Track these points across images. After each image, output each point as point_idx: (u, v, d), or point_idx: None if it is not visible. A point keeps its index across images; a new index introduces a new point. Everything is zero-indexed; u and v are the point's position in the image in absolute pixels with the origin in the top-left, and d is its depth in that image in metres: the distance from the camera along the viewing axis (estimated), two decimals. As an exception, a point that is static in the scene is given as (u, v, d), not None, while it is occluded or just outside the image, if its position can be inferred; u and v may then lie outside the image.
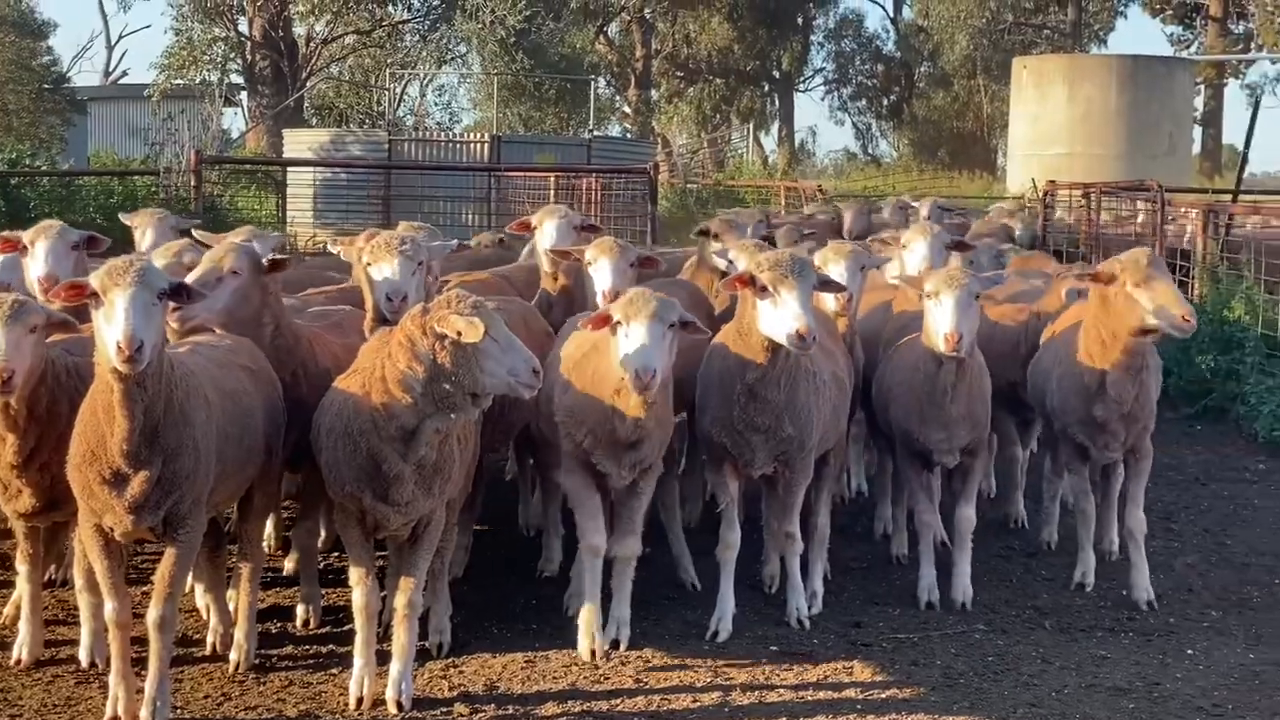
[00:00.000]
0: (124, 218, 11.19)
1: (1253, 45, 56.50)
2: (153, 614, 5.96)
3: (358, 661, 6.39)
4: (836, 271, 8.19)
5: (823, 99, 65.31)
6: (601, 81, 47.43)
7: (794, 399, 7.18)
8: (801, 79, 59.45)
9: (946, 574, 8.02)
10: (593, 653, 6.97)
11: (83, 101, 42.28)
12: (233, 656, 6.81)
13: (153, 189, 21.38)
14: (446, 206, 25.03)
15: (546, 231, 9.68)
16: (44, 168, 24.64)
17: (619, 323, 6.59)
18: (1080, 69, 37.61)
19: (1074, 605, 8.08)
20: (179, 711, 6.19)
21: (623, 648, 7.09)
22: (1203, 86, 54.57)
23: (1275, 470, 11.68)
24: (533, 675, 6.77)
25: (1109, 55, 45.20)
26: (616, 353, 6.60)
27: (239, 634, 6.85)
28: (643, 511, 7.24)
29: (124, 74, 53.65)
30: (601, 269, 8.34)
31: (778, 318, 6.87)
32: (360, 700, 6.31)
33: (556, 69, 45.46)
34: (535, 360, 5.96)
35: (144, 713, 5.92)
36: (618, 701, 6.47)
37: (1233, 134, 61.54)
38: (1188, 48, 58.83)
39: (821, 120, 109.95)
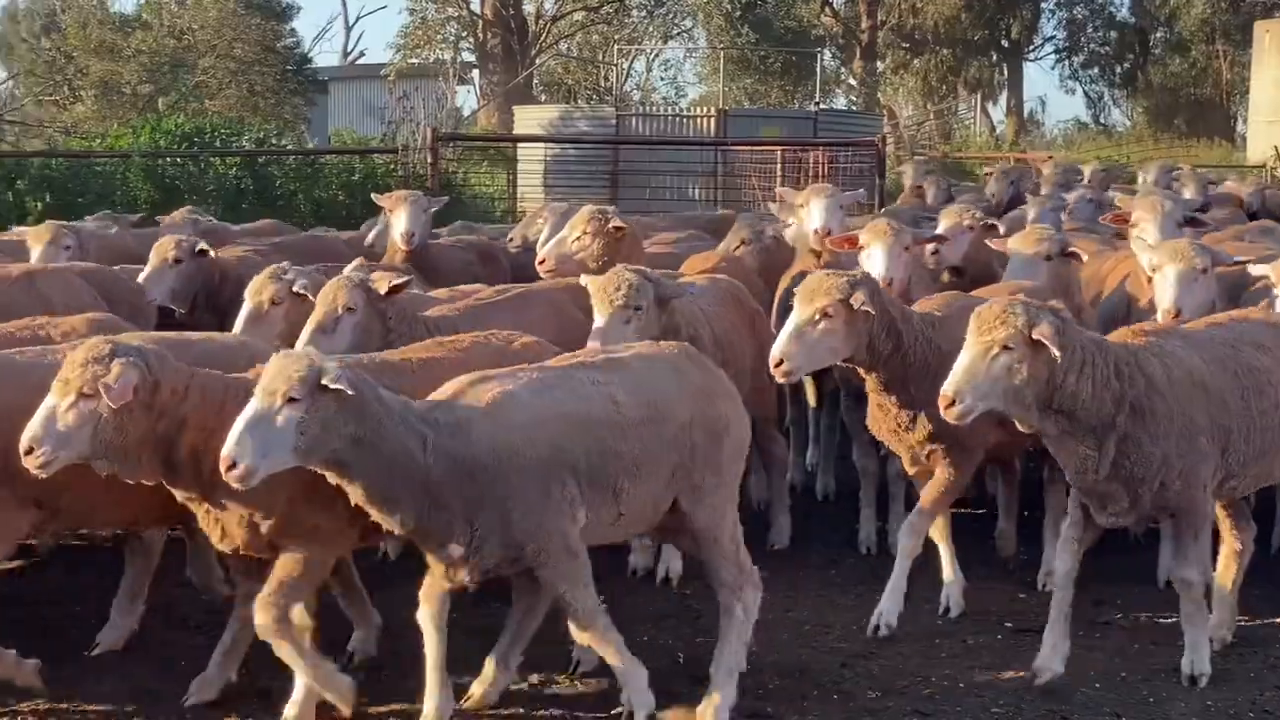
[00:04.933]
0: (376, 198, 11.48)
1: None
2: None
3: None
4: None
5: (1053, 68, 63.73)
6: (827, 54, 47.22)
7: None
8: (1031, 47, 58.20)
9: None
10: None
11: (324, 82, 43.68)
12: None
13: (391, 167, 22.09)
14: (673, 181, 25.30)
15: (814, 212, 9.85)
16: (289, 146, 25.59)
17: None
18: (1326, 32, 36.16)
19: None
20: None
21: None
22: None
23: None
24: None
25: (1357, 17, 43.27)
26: None
27: None
28: None
29: (361, 54, 55.21)
30: (875, 256, 8.33)
31: None
32: None
33: (782, 41, 45.40)
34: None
35: None
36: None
37: None
38: None
39: (1051, 89, 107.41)
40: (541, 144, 27.19)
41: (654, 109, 36.11)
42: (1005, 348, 5.96)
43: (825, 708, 6.28)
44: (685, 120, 31.39)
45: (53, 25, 40.50)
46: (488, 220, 19.01)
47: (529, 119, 31.74)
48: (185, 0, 41.47)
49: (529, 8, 44.18)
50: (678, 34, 48.15)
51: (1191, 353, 6.43)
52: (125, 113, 33.06)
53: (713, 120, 30.06)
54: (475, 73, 45.36)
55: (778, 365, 6.63)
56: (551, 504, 5.52)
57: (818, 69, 42.80)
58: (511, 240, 11.94)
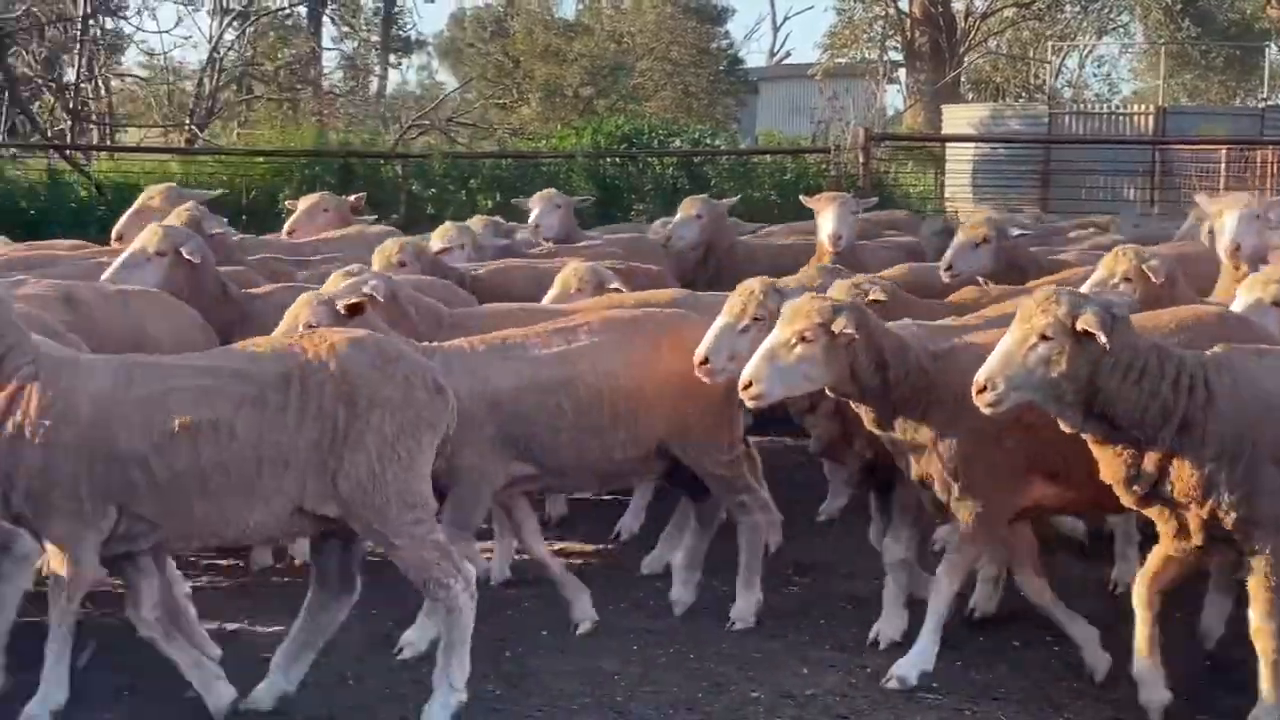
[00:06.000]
0: (805, 200, 11.65)
1: None
2: None
3: None
4: None
5: None
6: (1274, 47, 44.92)
7: None
8: None
9: None
10: None
11: (754, 82, 44.50)
12: None
13: (823, 166, 22.39)
14: (1107, 182, 24.72)
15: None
16: (722, 147, 26.24)
17: None
18: None
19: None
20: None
21: None
22: None
23: None
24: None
25: None
26: None
27: None
28: None
29: (787, 54, 55.78)
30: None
31: None
32: None
33: (1226, 35, 43.48)
34: None
35: None
36: None
37: None
38: None
39: None
40: (970, 143, 27.00)
41: (1086, 106, 35.26)
42: (1044, 337, 5.63)
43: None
44: (1121, 118, 30.55)
45: (501, 31, 42.64)
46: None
47: (958, 118, 31.50)
48: (623, 5, 43.02)
49: (958, 5, 43.70)
50: (1113, 29, 46.78)
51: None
52: (567, 114, 34.56)
53: (1150, 118, 29.16)
54: (901, 71, 45.23)
55: (746, 388, 6.27)
56: None
57: (1265, 63, 40.79)
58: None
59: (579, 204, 13.00)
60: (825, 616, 7.46)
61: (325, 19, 41.66)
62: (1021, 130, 28.85)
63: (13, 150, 24.41)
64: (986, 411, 5.73)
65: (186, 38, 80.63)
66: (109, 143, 29.43)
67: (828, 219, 10.89)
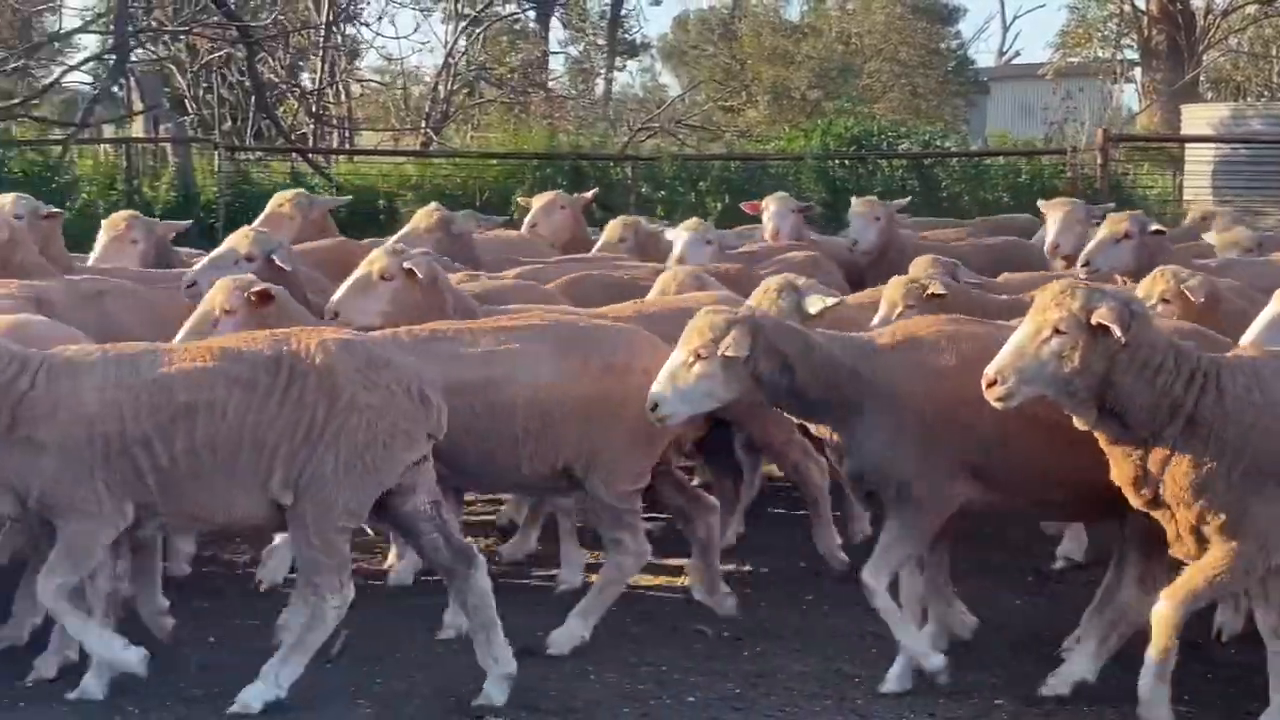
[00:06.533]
0: (1042, 205, 11.51)
1: None
2: None
3: None
4: None
5: None
6: None
7: None
8: None
9: None
10: None
11: (984, 82, 43.86)
12: None
13: (1059, 168, 21.94)
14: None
15: None
16: (953, 148, 25.91)
17: None
18: None
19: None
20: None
21: None
22: None
23: None
24: None
25: None
26: None
27: None
28: None
29: (1016, 54, 54.78)
30: None
31: None
32: None
33: None
34: None
35: None
36: None
37: None
38: None
39: None
40: (1210, 144, 26.19)
41: (1334, 106, 33.85)
42: (1058, 330, 5.48)
43: None
44: (1372, 117, 29.25)
45: (728, 34, 42.74)
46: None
47: (1197, 118, 30.53)
48: (848, 7, 42.77)
49: (1198, 2, 42.44)
50: (1366, 24, 44.79)
51: None
52: (794, 116, 34.49)
53: None
54: (1136, 70, 44.07)
55: (653, 409, 6.18)
56: None
57: None
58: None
59: (805, 208, 12.85)
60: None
61: (554, 22, 42.27)
62: (1263, 130, 27.85)
63: (258, 153, 25.30)
64: (995, 405, 5.61)
65: (424, 43, 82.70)
66: (348, 146, 30.29)
67: (1050, 226, 10.91)
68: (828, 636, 7.20)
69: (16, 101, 25.86)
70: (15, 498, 5.85)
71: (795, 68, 38.14)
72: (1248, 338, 6.72)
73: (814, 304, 7.28)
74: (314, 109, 30.01)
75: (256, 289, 7.08)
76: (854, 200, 11.77)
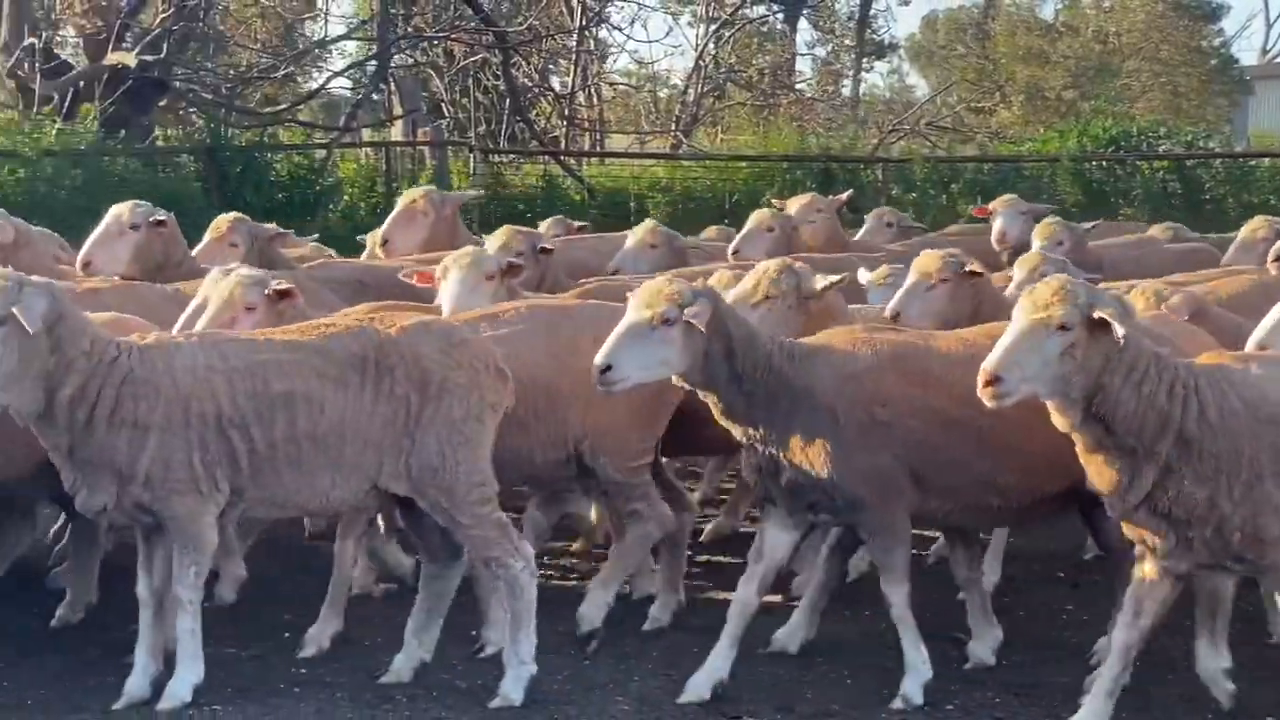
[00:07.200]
0: None
1: None
2: None
3: None
4: None
5: None
6: None
7: None
8: None
9: None
10: None
11: (1247, 81, 42.29)
12: None
13: (1330, 171, 21.04)
14: None
15: None
16: (1217, 149, 25.03)
17: None
18: None
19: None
20: None
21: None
22: None
23: None
24: None
25: None
26: None
27: None
28: None
29: (1281, 52, 52.57)
30: None
31: None
32: None
33: None
34: None
35: None
36: None
37: None
38: None
39: None
40: None
41: None
42: (1062, 327, 5.30)
43: None
44: None
45: (981, 33, 42.08)
46: None
47: None
48: (1105, 4, 41.69)
49: None
50: None
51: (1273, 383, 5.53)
52: (1049, 117, 33.79)
53: None
54: None
55: (604, 372, 5.88)
56: None
57: None
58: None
59: (1039, 211, 12.38)
60: None
61: (801, 23, 42.12)
62: None
63: (512, 156, 25.79)
64: (991, 405, 5.43)
65: (676, 46, 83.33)
66: (599, 149, 30.68)
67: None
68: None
69: (283, 107, 26.87)
70: (116, 484, 5.96)
71: (1051, 67, 37.39)
72: (1255, 339, 6.66)
73: (817, 281, 7.09)
74: (566, 112, 30.47)
75: (277, 286, 7.09)
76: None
